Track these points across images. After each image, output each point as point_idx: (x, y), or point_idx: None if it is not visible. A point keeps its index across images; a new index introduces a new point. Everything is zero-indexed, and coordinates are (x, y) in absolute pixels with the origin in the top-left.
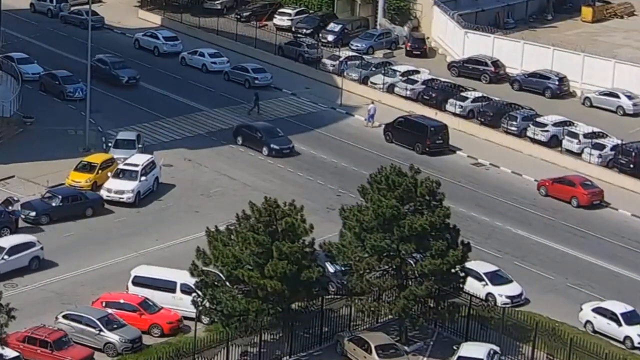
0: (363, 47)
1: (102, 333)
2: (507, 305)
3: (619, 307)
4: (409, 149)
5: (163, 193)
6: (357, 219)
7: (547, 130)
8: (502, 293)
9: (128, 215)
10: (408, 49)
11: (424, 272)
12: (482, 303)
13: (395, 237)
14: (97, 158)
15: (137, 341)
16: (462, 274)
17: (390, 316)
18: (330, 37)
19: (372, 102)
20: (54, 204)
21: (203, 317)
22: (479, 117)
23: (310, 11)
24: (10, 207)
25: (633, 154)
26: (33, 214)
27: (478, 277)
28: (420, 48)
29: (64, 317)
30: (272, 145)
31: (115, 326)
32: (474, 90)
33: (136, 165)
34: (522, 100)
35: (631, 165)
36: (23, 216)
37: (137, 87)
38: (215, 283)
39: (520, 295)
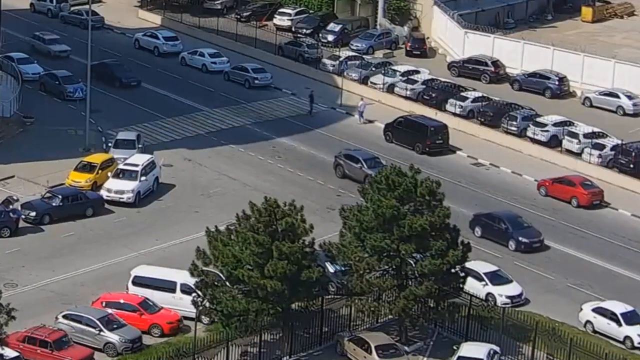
0: (363, 47)
1: (102, 333)
2: (507, 305)
3: (619, 307)
4: (409, 149)
5: (163, 193)
6: (357, 219)
7: (547, 130)
8: (502, 293)
9: (128, 215)
10: (408, 49)
11: (424, 272)
12: (482, 303)
13: (395, 237)
14: (97, 158)
15: (137, 341)
16: (462, 274)
17: (390, 316)
18: (330, 37)
19: (362, 99)
20: (54, 204)
21: (203, 317)
22: (479, 117)
23: (310, 11)
24: (10, 207)
25: (633, 154)
26: (33, 214)
27: (478, 277)
28: (420, 48)
29: (64, 317)
30: (520, 239)
31: (115, 326)
32: (474, 90)
33: (136, 165)
34: (522, 100)
35: (631, 165)
36: (23, 216)
37: (137, 87)
38: (215, 283)
39: (520, 295)
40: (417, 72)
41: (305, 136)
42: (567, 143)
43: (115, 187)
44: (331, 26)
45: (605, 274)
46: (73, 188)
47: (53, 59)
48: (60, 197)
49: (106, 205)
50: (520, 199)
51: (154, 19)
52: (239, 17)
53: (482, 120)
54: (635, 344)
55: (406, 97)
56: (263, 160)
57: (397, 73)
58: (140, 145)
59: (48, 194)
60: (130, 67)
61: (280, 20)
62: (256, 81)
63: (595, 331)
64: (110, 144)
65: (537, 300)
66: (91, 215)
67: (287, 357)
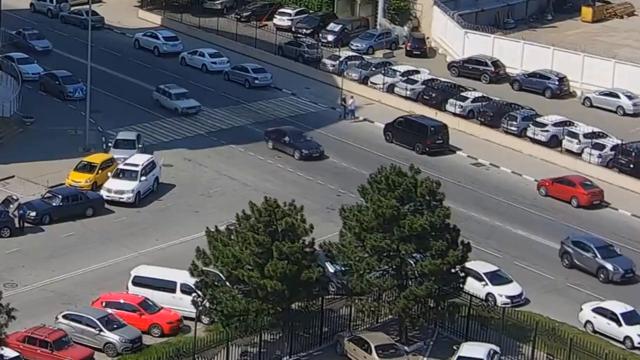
0: (363, 47)
1: (102, 333)
2: (507, 305)
3: (619, 307)
4: (409, 149)
5: (163, 193)
6: (357, 219)
7: (547, 130)
8: (502, 293)
9: (128, 215)
10: (408, 49)
11: (424, 272)
12: (482, 303)
13: (395, 237)
14: (97, 158)
15: (137, 341)
16: (462, 274)
17: (390, 316)
18: (330, 37)
19: (352, 97)
20: (54, 204)
21: (203, 317)
22: (479, 117)
23: (310, 11)
24: (11, 206)
25: (633, 154)
26: (33, 214)
27: (478, 277)
28: (420, 48)
29: (64, 317)
30: None
31: (115, 326)
32: (474, 90)
33: (136, 165)
34: (522, 100)
35: (631, 165)
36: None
37: (137, 87)
38: (215, 283)
39: (520, 295)
40: (417, 72)
41: None
42: (567, 143)
43: (115, 187)
44: (331, 26)
45: None
46: (73, 188)
47: (181, 115)
48: (60, 197)
49: (106, 205)
50: (520, 199)
51: (154, 19)
52: (239, 17)
53: (482, 120)
54: (635, 344)
55: (406, 97)
56: (263, 160)
57: (397, 73)
58: (140, 145)
59: (48, 194)
60: (309, 135)
61: (280, 20)
62: (256, 81)
63: (595, 331)
64: (110, 144)
65: (537, 300)
66: (91, 215)
67: (287, 357)
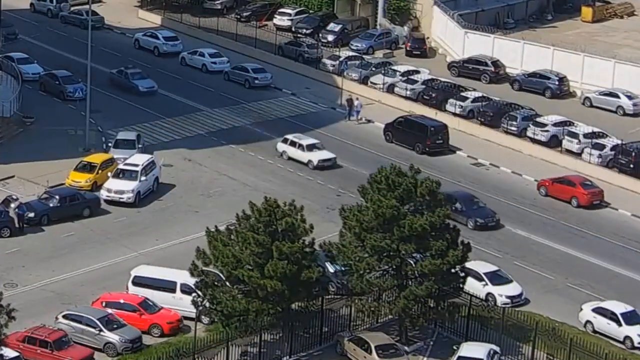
0: (363, 47)
1: (102, 333)
2: (507, 305)
3: (619, 307)
4: (409, 149)
5: (163, 193)
6: (357, 219)
7: (547, 130)
8: (502, 293)
9: (128, 215)
10: (408, 49)
11: (424, 272)
12: (482, 303)
13: (395, 237)
14: (97, 158)
15: (137, 341)
16: (462, 274)
17: (390, 316)
18: (330, 37)
19: (357, 98)
20: (51, 205)
21: (203, 317)
22: (479, 117)
23: (310, 11)
24: (11, 205)
25: (633, 154)
26: (32, 214)
27: (478, 277)
28: (420, 48)
29: (64, 317)
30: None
31: (115, 326)
32: (474, 90)
33: (136, 165)
34: (522, 100)
35: (631, 165)
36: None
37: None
38: (215, 283)
39: (520, 295)
40: (417, 72)
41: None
42: (567, 143)
43: (115, 187)
44: (331, 26)
45: (605, 274)
46: (70, 188)
47: (315, 169)
48: (57, 197)
49: (106, 206)
50: (520, 199)
51: (154, 19)
52: (239, 17)
53: (482, 120)
54: (635, 344)
55: (406, 97)
56: (263, 160)
57: (397, 73)
58: (140, 145)
59: (45, 195)
60: (478, 198)
61: (280, 20)
62: (256, 81)
63: (595, 331)
64: (110, 144)
65: (537, 300)
66: (88, 215)
67: (287, 357)
